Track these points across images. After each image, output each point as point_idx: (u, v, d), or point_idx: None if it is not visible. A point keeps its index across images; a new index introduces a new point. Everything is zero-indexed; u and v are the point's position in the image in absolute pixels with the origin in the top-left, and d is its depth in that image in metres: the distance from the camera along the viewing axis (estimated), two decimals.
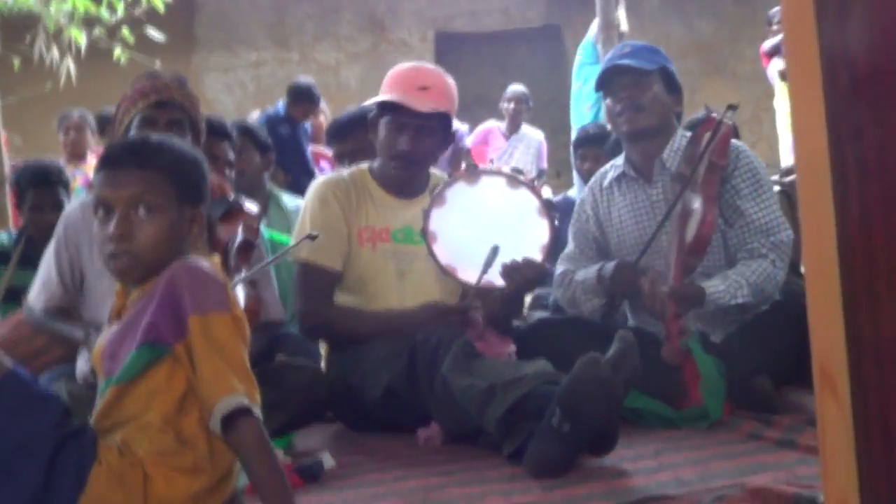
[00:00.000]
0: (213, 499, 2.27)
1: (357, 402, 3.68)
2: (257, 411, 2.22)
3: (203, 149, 3.93)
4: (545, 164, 9.80)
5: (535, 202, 3.53)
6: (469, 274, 3.60)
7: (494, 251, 3.54)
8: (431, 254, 3.60)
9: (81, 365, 3.55)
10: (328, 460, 3.22)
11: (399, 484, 3.03)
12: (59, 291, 3.68)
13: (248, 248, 3.71)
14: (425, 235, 3.57)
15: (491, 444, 3.25)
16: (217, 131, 4.47)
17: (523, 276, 3.55)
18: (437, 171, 4.01)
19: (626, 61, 3.86)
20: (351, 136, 4.82)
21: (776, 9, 9.88)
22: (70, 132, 7.74)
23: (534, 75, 12.90)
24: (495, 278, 3.58)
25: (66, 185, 4.87)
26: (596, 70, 8.32)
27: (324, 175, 4.01)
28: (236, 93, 12.90)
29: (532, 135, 9.72)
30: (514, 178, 3.55)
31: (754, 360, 3.57)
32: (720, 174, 3.66)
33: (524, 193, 3.53)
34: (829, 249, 1.47)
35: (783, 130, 9.35)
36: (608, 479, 2.91)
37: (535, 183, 3.62)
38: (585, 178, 5.56)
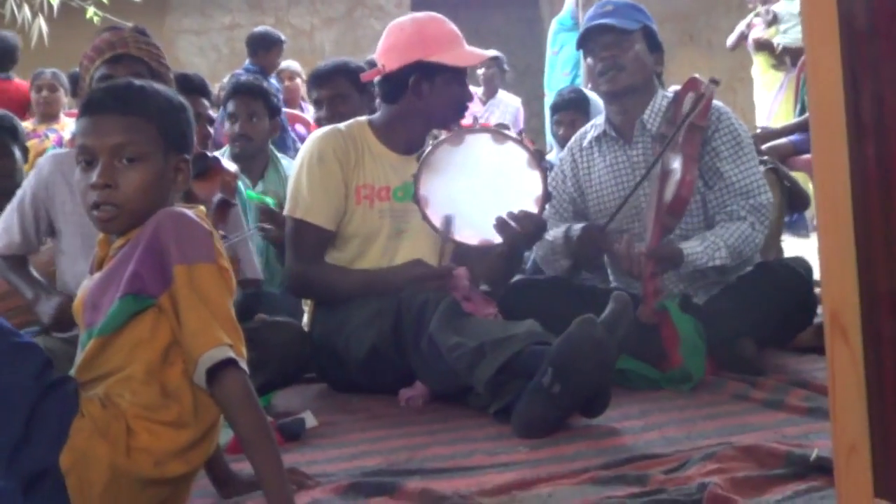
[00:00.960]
0: (197, 453, 2.21)
1: (340, 363, 3.64)
2: (243, 364, 2.16)
3: None
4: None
5: (525, 155, 3.48)
6: (465, 234, 3.55)
7: (448, 220, 3.50)
8: (425, 218, 3.55)
9: (43, 309, 3.49)
10: (310, 419, 3.18)
11: (382, 443, 3.00)
12: (18, 240, 3.61)
13: (226, 206, 3.66)
14: (417, 201, 3.51)
15: (477, 404, 3.22)
16: (196, 89, 4.41)
17: (521, 229, 3.49)
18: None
19: (607, 20, 3.82)
20: (331, 82, 4.77)
21: None
22: (42, 91, 7.64)
23: (509, 42, 12.87)
24: (488, 234, 3.53)
25: (14, 134, 4.75)
26: (572, 37, 8.33)
27: (322, 130, 3.90)
28: (210, 56, 12.79)
29: (509, 101, 9.68)
30: (500, 133, 3.50)
31: (738, 322, 3.55)
32: (701, 135, 3.64)
33: (512, 147, 3.49)
34: (843, 193, 1.44)
35: (759, 100, 9.35)
36: (595, 438, 2.88)
37: (522, 136, 3.57)
38: (561, 143, 5.54)
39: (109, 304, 2.19)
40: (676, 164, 3.51)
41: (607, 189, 3.88)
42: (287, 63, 9.12)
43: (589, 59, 3.91)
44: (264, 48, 8.56)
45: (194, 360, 2.13)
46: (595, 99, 5.82)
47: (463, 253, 3.62)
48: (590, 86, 5.60)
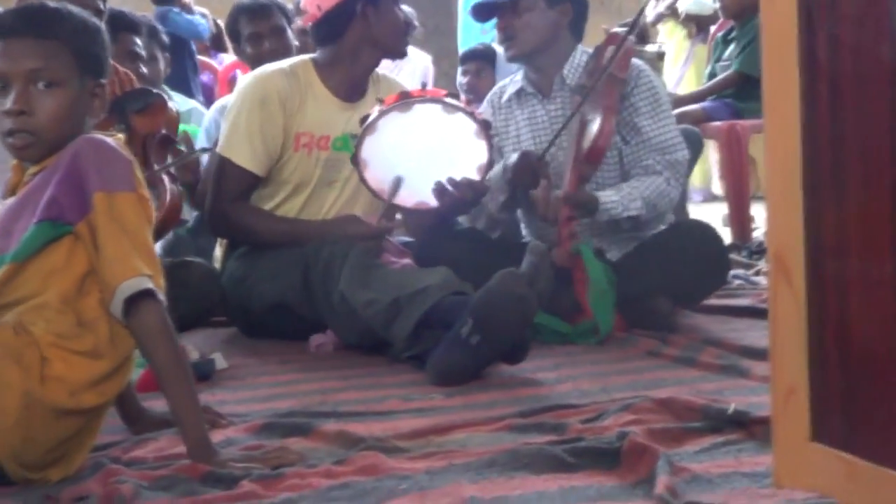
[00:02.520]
0: (112, 385, 2.16)
1: (246, 310, 3.60)
2: (161, 296, 2.12)
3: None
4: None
5: (473, 125, 3.44)
6: (401, 196, 3.50)
7: (397, 181, 3.45)
8: (362, 180, 3.48)
9: None
10: (220, 361, 3.14)
11: (294, 386, 2.98)
12: None
13: (168, 143, 3.59)
14: (356, 163, 3.45)
15: (392, 355, 3.20)
16: (125, 25, 4.31)
17: (460, 195, 3.46)
18: (378, 72, 3.91)
19: None
20: (272, 15, 4.69)
21: None
22: None
23: (419, 1, 12.77)
24: (427, 198, 3.49)
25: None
26: None
27: (266, 68, 3.78)
28: None
29: (418, 58, 9.59)
30: (450, 104, 3.44)
31: (652, 279, 3.55)
32: (620, 88, 3.64)
33: (460, 118, 3.43)
34: (792, 135, 1.43)
35: (668, 67, 9.39)
36: (510, 388, 2.88)
37: (471, 107, 3.53)
38: (466, 91, 5.68)
39: (23, 230, 2.12)
40: (595, 114, 3.51)
41: (525, 143, 3.86)
42: None
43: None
44: None
45: (111, 289, 2.07)
46: (502, 53, 5.86)
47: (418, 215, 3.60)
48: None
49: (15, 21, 2.19)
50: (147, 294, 2.08)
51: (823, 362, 1.42)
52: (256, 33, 4.72)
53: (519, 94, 3.93)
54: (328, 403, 2.75)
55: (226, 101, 4.94)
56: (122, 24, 4.20)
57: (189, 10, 7.94)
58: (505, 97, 3.97)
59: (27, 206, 2.14)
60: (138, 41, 4.46)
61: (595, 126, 3.49)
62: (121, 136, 2.31)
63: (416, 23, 9.67)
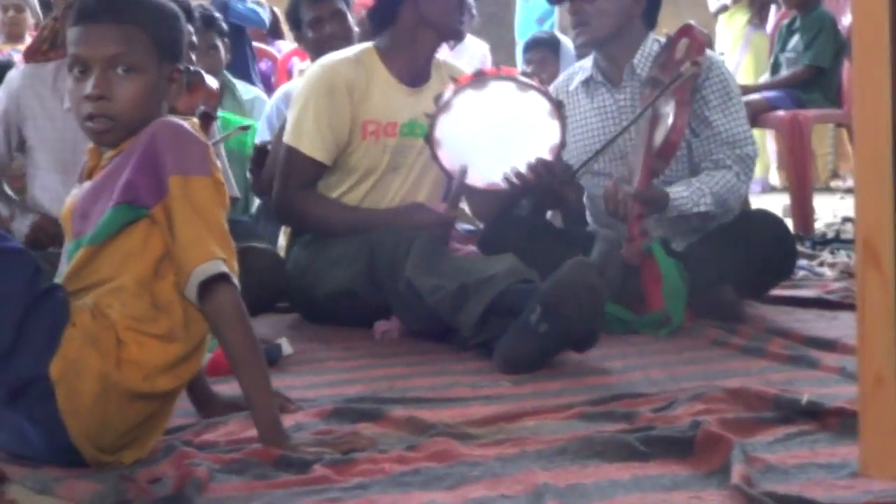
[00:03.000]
0: (186, 368, 2.17)
1: (311, 298, 3.61)
2: (235, 280, 2.12)
3: None
4: None
5: (546, 105, 3.42)
6: (472, 177, 3.49)
7: (463, 170, 3.44)
8: (435, 159, 3.48)
9: (18, 227, 3.44)
10: (286, 347, 3.14)
11: (361, 372, 2.98)
12: None
13: (208, 120, 3.61)
14: (430, 142, 3.44)
15: (459, 342, 3.19)
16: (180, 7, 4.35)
17: (535, 178, 3.45)
18: (439, 58, 3.90)
19: None
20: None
21: None
22: (9, 10, 7.45)
23: None
24: (499, 180, 3.50)
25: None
26: None
27: (332, 57, 3.77)
28: None
29: (476, 46, 9.57)
30: (524, 82, 3.43)
31: (717, 270, 3.52)
32: (692, 82, 3.60)
33: (534, 96, 3.42)
34: (883, 120, 1.41)
35: (726, 56, 9.33)
36: (578, 376, 2.87)
37: (545, 86, 3.51)
38: None
39: (100, 213, 2.13)
40: (667, 108, 3.48)
41: (592, 133, 3.83)
42: None
43: None
44: None
45: (186, 273, 2.08)
46: (567, 43, 5.81)
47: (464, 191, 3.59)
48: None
49: (96, 6, 2.20)
50: (222, 278, 2.09)
51: None
52: (317, 17, 4.74)
53: (587, 82, 3.90)
54: (396, 389, 2.75)
55: (287, 89, 4.96)
56: None
57: None
58: (573, 85, 3.94)
59: (104, 190, 2.15)
60: (189, 28, 4.49)
61: (668, 121, 3.46)
62: (195, 120, 2.31)
63: (474, 10, 9.69)
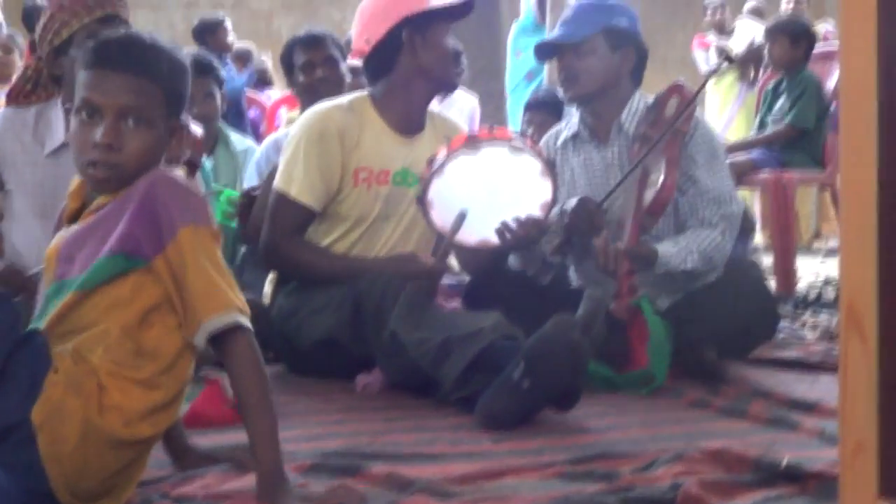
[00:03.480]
0: (165, 416, 2.16)
1: (294, 346, 3.59)
2: (250, 325, 2.17)
3: None
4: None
5: (538, 165, 3.43)
6: (463, 234, 3.49)
7: (461, 217, 3.44)
8: (427, 220, 3.47)
9: None
10: None
11: (342, 426, 2.97)
12: None
13: (193, 168, 3.59)
14: (422, 204, 3.43)
15: (439, 395, 3.18)
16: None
17: (524, 234, 3.46)
18: (433, 110, 3.93)
19: (556, 35, 3.87)
20: (325, 45, 4.77)
21: None
22: None
23: (466, 42, 12.75)
24: (489, 236, 3.49)
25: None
26: (535, 40, 8.31)
27: (325, 105, 3.79)
28: (165, 32, 12.59)
29: (465, 99, 9.60)
30: (516, 146, 3.43)
31: (700, 330, 3.54)
32: (682, 140, 3.62)
33: (526, 158, 3.43)
34: (868, 182, 1.41)
35: (713, 113, 9.37)
36: (559, 434, 2.86)
37: (537, 147, 3.51)
38: None
39: (87, 258, 2.14)
40: (657, 166, 3.50)
41: (580, 189, 3.83)
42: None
43: None
44: (210, 32, 8.45)
45: (197, 321, 2.11)
46: None
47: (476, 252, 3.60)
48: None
49: (117, 54, 2.21)
50: (238, 325, 2.13)
51: (894, 416, 1.40)
52: (309, 62, 4.79)
53: (574, 138, 3.92)
54: (376, 444, 2.74)
55: (276, 137, 4.97)
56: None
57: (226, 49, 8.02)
58: (560, 140, 3.96)
59: (94, 235, 2.16)
60: None
61: (657, 178, 3.48)
62: (181, 171, 2.32)
63: (464, 62, 9.73)
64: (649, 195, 3.48)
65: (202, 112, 4.76)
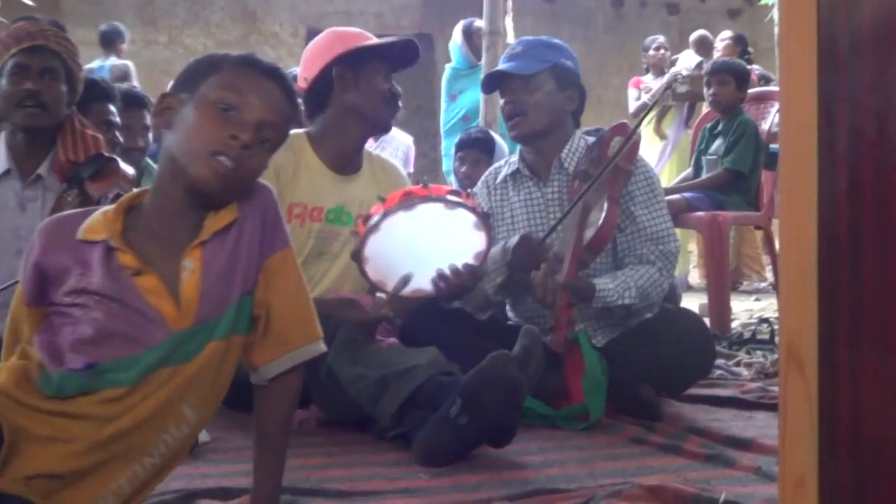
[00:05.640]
0: None
1: (234, 380, 3.56)
2: None
3: (84, 108, 3.81)
4: (412, 169, 9.72)
5: (473, 218, 3.43)
6: (398, 285, 3.47)
7: (406, 279, 3.43)
8: (363, 273, 3.43)
9: None
10: (203, 434, 3.11)
11: None
12: None
13: None
14: (358, 259, 3.42)
15: (376, 431, 3.17)
16: (104, 95, 4.34)
17: (460, 282, 3.45)
18: (371, 152, 3.97)
19: (508, 66, 3.86)
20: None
21: (653, 37, 10.05)
22: None
23: (402, 82, 12.84)
24: (425, 286, 3.48)
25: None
26: (471, 81, 8.36)
27: None
28: None
29: (401, 138, 9.61)
30: (451, 201, 3.43)
31: (636, 367, 3.56)
32: (624, 179, 3.67)
33: (461, 212, 3.42)
34: (808, 223, 1.43)
35: (646, 156, 9.43)
36: (496, 470, 2.86)
37: (471, 200, 3.52)
38: (461, 181, 5.53)
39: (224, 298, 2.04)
40: (599, 203, 3.53)
41: (520, 225, 3.86)
42: None
43: (501, 101, 3.91)
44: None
45: (289, 348, 2.12)
46: (500, 142, 5.84)
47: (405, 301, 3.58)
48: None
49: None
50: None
51: (834, 453, 1.41)
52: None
53: (514, 175, 3.94)
54: (312, 480, 2.73)
55: None
56: (98, 94, 4.23)
57: None
58: (500, 178, 3.98)
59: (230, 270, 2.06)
60: (113, 109, 4.47)
61: (599, 215, 3.51)
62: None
63: (400, 102, 9.76)
64: (590, 232, 3.51)
65: (140, 145, 4.77)
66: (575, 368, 3.45)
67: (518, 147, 4.01)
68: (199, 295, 1.98)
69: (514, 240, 3.66)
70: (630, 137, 3.63)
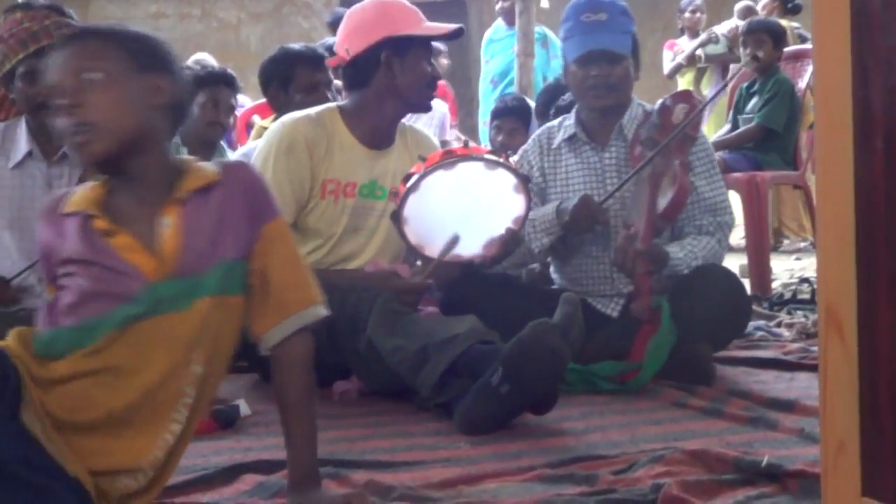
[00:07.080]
0: None
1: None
2: None
3: None
4: (448, 136, 9.73)
5: (513, 179, 3.42)
6: (434, 249, 3.47)
7: (454, 240, 3.43)
8: (402, 235, 3.44)
9: None
10: (244, 407, 3.13)
11: (320, 434, 2.85)
12: None
13: None
14: (397, 220, 3.40)
15: (417, 400, 3.17)
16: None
17: (504, 250, 3.48)
18: (405, 122, 3.92)
19: (604, 39, 3.81)
20: (324, 66, 4.69)
21: None
22: None
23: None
24: (465, 252, 3.48)
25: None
26: (502, 46, 8.37)
27: (293, 116, 3.75)
28: None
29: (436, 105, 9.59)
30: (491, 161, 3.42)
31: (684, 328, 3.51)
32: (691, 145, 3.70)
33: (501, 172, 3.41)
34: (845, 188, 1.41)
35: None
36: (537, 437, 2.86)
37: (511, 161, 3.51)
38: (498, 148, 5.51)
39: (210, 257, 2.10)
40: (669, 170, 3.54)
41: (576, 189, 3.84)
42: None
43: (577, 69, 3.84)
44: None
45: (285, 315, 2.16)
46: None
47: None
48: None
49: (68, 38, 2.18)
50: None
51: (875, 416, 1.40)
52: (315, 82, 4.72)
53: (571, 140, 3.93)
54: (354, 451, 2.74)
55: (245, 150, 4.95)
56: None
57: None
58: (555, 143, 3.96)
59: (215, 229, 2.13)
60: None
61: (674, 181, 3.53)
62: None
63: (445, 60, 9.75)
64: (665, 198, 3.52)
65: (222, 121, 4.85)
66: (647, 335, 3.46)
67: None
68: (180, 247, 2.05)
69: (573, 201, 3.65)
70: (702, 108, 3.67)
